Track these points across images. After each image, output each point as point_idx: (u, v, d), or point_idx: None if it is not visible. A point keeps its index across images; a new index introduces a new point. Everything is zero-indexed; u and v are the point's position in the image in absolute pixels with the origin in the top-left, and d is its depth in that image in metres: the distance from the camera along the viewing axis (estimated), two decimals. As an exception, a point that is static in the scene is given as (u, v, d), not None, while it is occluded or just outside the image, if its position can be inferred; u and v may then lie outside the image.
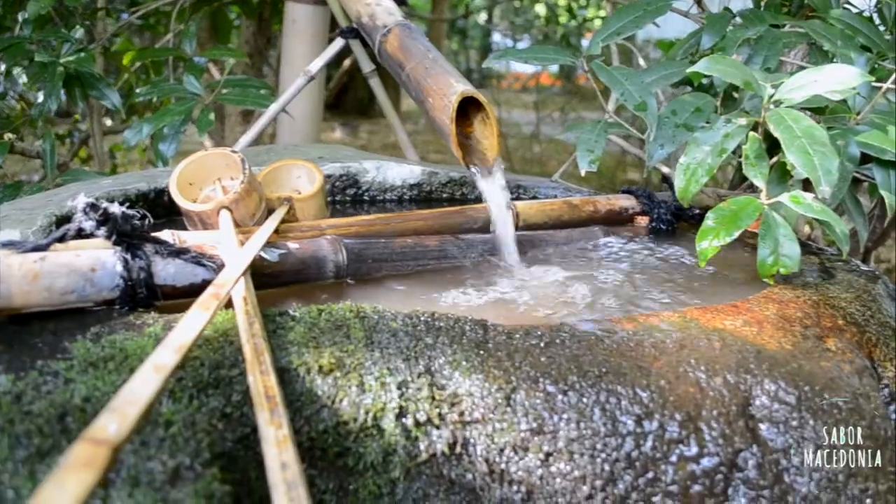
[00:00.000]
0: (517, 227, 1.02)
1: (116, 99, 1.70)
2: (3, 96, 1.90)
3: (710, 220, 0.87)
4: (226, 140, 2.67)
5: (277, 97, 1.58)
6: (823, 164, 0.84)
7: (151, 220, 0.71)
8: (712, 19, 1.28)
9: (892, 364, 0.83)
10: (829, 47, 1.21)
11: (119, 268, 0.67)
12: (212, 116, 1.58)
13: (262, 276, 0.76)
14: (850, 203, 1.11)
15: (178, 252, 0.71)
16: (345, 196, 1.23)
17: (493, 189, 0.97)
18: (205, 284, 0.72)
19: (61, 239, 0.69)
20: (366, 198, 1.23)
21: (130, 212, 0.69)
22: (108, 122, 2.69)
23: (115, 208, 0.67)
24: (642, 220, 1.14)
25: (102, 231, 0.66)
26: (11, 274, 0.63)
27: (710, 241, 0.86)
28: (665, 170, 1.40)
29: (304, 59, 1.87)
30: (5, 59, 1.61)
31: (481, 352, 0.64)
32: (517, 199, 1.31)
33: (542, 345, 0.66)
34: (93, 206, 0.66)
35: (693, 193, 0.95)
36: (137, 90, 1.69)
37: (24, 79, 1.69)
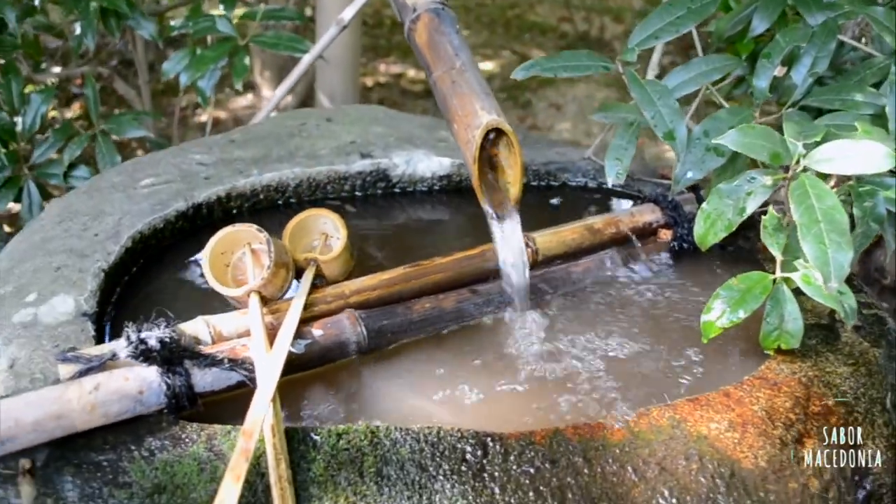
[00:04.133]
0: (536, 264, 1.05)
1: (152, 28, 1.69)
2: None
3: (717, 300, 0.90)
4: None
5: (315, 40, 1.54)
6: (837, 258, 0.84)
7: (187, 339, 0.79)
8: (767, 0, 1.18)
9: (874, 442, 0.90)
10: (891, 41, 1.12)
11: (163, 387, 0.76)
12: (247, 61, 1.57)
13: (290, 365, 0.84)
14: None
15: (214, 363, 0.79)
16: (375, 190, 1.26)
17: (509, 237, 0.99)
18: (239, 384, 0.81)
19: (112, 356, 0.78)
20: (396, 190, 1.27)
21: (168, 336, 0.77)
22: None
23: (154, 341, 0.75)
24: (665, 235, 1.15)
25: (146, 364, 0.75)
26: (72, 408, 0.73)
27: (716, 319, 0.90)
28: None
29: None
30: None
31: (476, 482, 0.73)
32: (547, 187, 1.32)
33: (532, 471, 0.75)
34: (134, 352, 0.74)
35: (711, 243, 0.97)
36: (173, 23, 1.67)
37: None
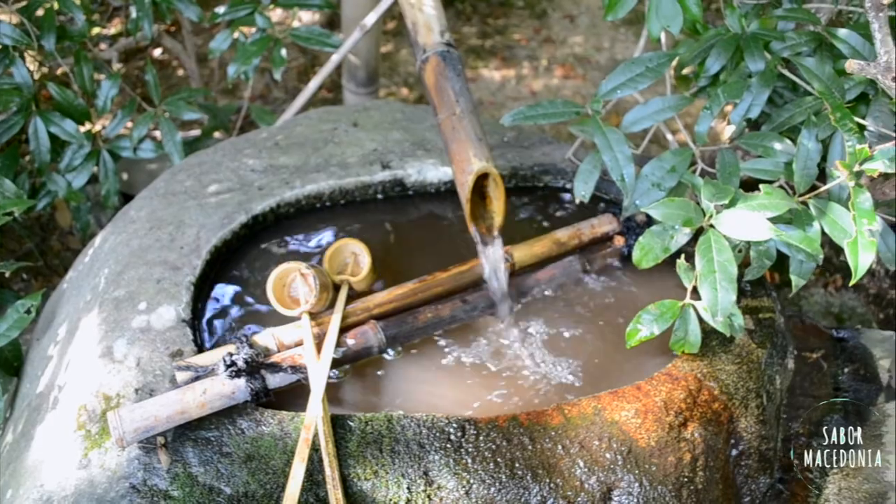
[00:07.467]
0: (514, 273, 1.38)
1: (198, 11, 1.93)
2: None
3: (640, 323, 1.23)
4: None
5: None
6: (724, 300, 1.16)
7: (266, 355, 1.16)
8: (724, 42, 1.40)
9: (745, 419, 1.26)
10: (818, 88, 1.36)
11: (248, 389, 1.14)
12: (284, 52, 1.82)
13: (331, 364, 1.21)
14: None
15: (280, 370, 1.16)
16: (393, 192, 1.57)
17: (492, 257, 1.32)
18: (298, 381, 1.18)
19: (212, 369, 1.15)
20: (410, 192, 1.57)
21: (250, 356, 1.13)
22: None
23: (241, 362, 1.12)
24: (619, 241, 1.46)
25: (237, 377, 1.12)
26: (190, 406, 1.11)
27: (639, 333, 1.23)
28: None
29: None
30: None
31: (456, 455, 1.11)
32: (532, 188, 1.61)
33: (494, 447, 1.12)
34: (231, 375, 1.10)
35: (645, 267, 1.28)
36: (217, 9, 1.90)
37: None
